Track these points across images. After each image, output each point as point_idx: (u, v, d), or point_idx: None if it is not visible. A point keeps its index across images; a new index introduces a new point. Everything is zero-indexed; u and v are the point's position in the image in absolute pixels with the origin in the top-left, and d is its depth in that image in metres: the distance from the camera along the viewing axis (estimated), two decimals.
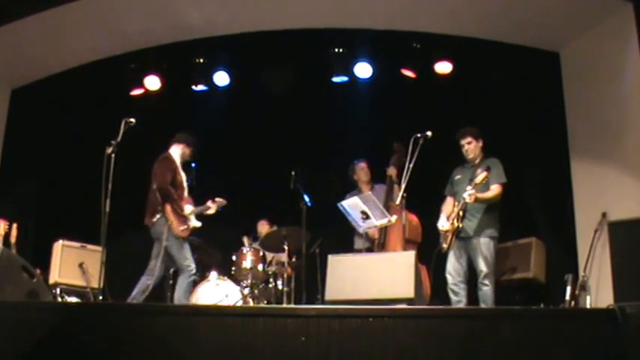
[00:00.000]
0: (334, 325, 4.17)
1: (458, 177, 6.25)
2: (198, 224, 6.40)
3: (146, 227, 6.35)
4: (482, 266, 5.81)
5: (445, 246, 5.96)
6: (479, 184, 5.78)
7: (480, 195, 5.82)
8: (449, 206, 6.19)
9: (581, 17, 6.73)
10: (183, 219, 6.27)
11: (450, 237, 5.94)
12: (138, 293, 6.15)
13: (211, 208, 6.55)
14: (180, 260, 6.22)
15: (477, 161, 6.17)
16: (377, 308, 4.36)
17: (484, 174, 5.76)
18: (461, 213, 5.89)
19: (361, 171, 7.02)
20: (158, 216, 6.23)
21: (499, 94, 7.46)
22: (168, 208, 6.21)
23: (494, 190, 5.90)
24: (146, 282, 6.19)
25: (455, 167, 6.36)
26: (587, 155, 6.90)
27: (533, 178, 7.43)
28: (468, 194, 5.78)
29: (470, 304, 5.83)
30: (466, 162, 6.26)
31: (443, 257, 6.04)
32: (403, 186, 6.01)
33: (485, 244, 5.86)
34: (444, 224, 6.01)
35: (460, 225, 5.89)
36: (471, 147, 6.17)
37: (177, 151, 6.52)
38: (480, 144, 6.20)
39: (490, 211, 5.95)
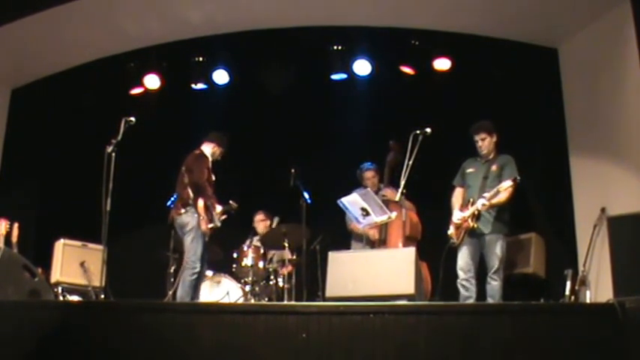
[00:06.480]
0: (335, 321, 4.19)
1: (470, 170, 6.22)
2: (219, 224, 6.37)
3: (146, 224, 6.35)
4: (495, 262, 5.85)
5: (456, 241, 5.98)
6: (501, 192, 5.80)
7: (494, 201, 5.84)
8: (459, 198, 6.19)
9: (579, 13, 6.74)
10: (211, 217, 6.24)
11: (462, 233, 5.97)
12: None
13: (232, 208, 6.55)
14: (190, 253, 6.13)
15: (491, 157, 6.17)
16: (377, 304, 4.38)
17: (510, 183, 5.77)
18: (476, 212, 5.90)
19: (368, 181, 6.85)
20: (188, 208, 6.19)
21: (498, 91, 7.46)
22: (200, 203, 6.17)
23: (507, 192, 5.87)
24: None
25: (467, 158, 6.31)
26: (586, 151, 6.90)
27: (532, 174, 7.42)
28: (482, 204, 5.81)
29: (478, 300, 5.84)
30: (479, 155, 6.23)
31: (446, 253, 6.04)
32: (402, 183, 6.00)
33: (498, 242, 5.90)
34: (458, 217, 6.00)
35: (475, 225, 5.90)
36: (485, 143, 6.15)
37: (208, 150, 6.50)
38: (494, 139, 6.17)
39: (503, 210, 5.97)
